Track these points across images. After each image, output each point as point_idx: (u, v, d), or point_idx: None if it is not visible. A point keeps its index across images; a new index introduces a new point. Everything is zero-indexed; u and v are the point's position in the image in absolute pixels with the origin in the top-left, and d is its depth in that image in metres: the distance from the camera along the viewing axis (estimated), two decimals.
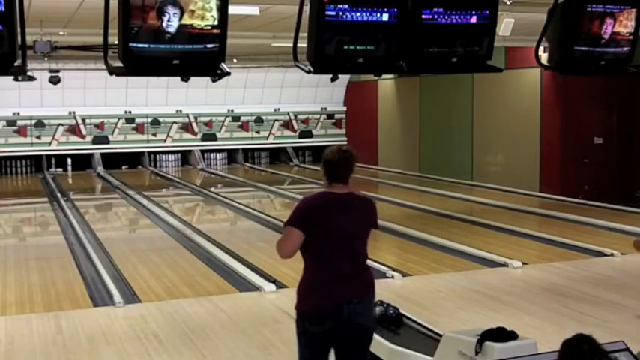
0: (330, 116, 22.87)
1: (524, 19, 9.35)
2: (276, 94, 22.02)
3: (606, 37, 5.60)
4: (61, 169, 20.72)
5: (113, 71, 4.78)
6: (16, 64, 4.39)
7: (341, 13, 4.87)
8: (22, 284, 7.95)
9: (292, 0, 5.12)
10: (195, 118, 21.57)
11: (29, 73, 12.38)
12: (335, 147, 3.88)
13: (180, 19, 4.61)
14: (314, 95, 22.42)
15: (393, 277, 7.96)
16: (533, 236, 10.22)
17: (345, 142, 22.78)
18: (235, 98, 21.65)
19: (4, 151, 19.97)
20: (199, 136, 21.73)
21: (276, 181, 17.98)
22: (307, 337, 3.74)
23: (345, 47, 4.97)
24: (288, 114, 22.41)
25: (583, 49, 5.56)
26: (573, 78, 11.97)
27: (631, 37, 5.71)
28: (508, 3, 8.33)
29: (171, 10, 4.58)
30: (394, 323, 5.11)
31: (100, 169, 20.20)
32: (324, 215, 3.74)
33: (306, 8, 4.91)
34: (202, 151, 21.87)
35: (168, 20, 4.59)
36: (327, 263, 3.73)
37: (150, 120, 21.18)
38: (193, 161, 21.75)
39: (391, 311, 5.18)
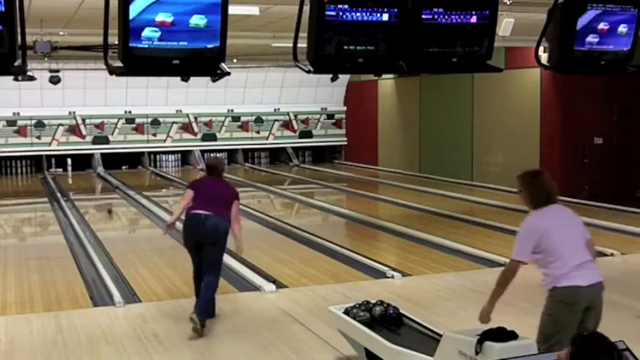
0: (330, 116, 22.87)
1: (524, 19, 9.35)
2: (276, 94, 22.02)
3: (606, 37, 5.61)
4: (61, 169, 20.73)
5: (113, 71, 4.78)
6: (16, 64, 4.39)
7: (341, 13, 4.87)
8: (22, 284, 7.96)
9: (292, 0, 5.11)
10: (195, 118, 21.57)
11: (29, 73, 12.38)
12: (214, 157, 7.11)
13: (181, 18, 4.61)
14: (314, 95, 22.41)
15: (393, 277, 7.97)
16: None
17: (345, 142, 22.83)
18: (235, 98, 21.65)
19: (4, 151, 19.97)
20: (199, 136, 21.73)
21: (276, 181, 17.99)
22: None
23: (345, 47, 4.97)
24: (288, 114, 22.40)
25: (583, 49, 5.56)
26: (573, 78, 11.97)
27: (631, 38, 5.71)
28: (508, 3, 8.33)
29: (170, 10, 4.58)
30: (394, 323, 5.11)
31: (100, 169, 20.20)
32: (200, 182, 6.98)
33: (306, 8, 4.91)
34: (202, 151, 21.86)
35: (168, 20, 4.59)
36: (199, 202, 6.42)
37: (150, 120, 21.18)
38: (193, 161, 21.73)
39: (391, 311, 5.18)
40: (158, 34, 4.58)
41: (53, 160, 20.77)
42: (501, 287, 4.48)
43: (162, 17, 4.56)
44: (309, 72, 5.07)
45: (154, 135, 21.31)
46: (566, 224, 4.42)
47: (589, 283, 4.28)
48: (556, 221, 4.39)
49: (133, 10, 4.48)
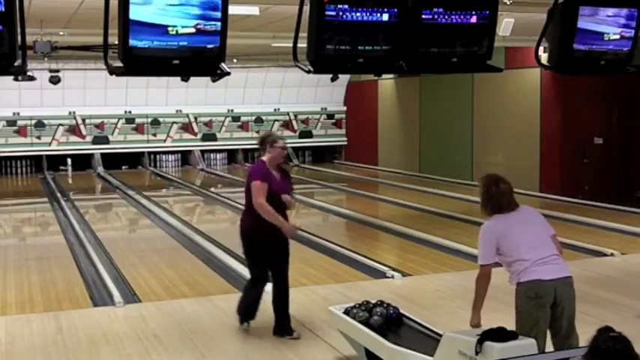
0: (330, 116, 22.87)
1: (524, 19, 9.35)
2: (276, 94, 22.02)
3: (606, 37, 5.61)
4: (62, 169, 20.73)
5: (113, 71, 4.78)
6: (16, 64, 4.39)
7: (341, 13, 4.87)
8: (22, 284, 7.96)
9: (292, 0, 5.11)
10: (195, 118, 21.57)
11: (29, 73, 12.38)
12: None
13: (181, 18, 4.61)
14: (314, 95, 22.41)
15: (393, 277, 7.96)
16: None
17: (345, 142, 22.83)
18: (235, 98, 21.65)
19: (4, 151, 19.97)
20: (199, 136, 21.73)
21: None
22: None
23: (345, 47, 4.97)
24: (288, 114, 22.41)
25: (583, 49, 5.56)
26: (573, 78, 11.97)
27: (631, 37, 5.71)
28: (508, 3, 8.33)
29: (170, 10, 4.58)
30: (395, 323, 5.11)
31: (100, 169, 20.20)
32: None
33: (306, 8, 4.91)
34: (202, 151, 21.87)
35: (168, 20, 4.59)
36: None
37: (150, 120, 21.18)
38: (193, 161, 21.74)
39: (391, 311, 5.18)
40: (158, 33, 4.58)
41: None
42: (480, 295, 4.55)
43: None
44: (309, 72, 5.07)
45: (154, 135, 21.31)
46: (523, 223, 4.47)
47: (552, 277, 4.32)
48: (511, 221, 4.45)
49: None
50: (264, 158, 5.95)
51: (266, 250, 5.93)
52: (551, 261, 4.38)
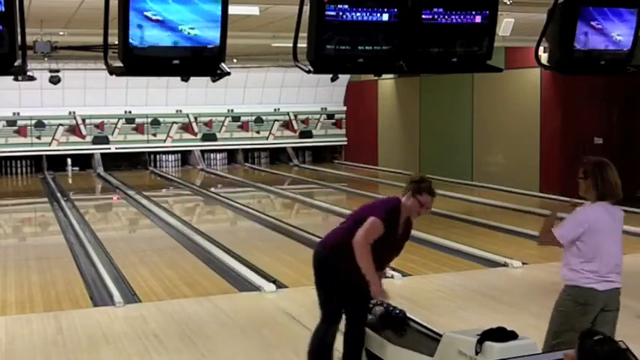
0: (330, 116, 22.87)
1: (524, 19, 9.35)
2: (276, 94, 22.03)
3: (606, 37, 5.60)
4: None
5: (113, 71, 4.77)
6: (16, 64, 4.39)
7: (341, 13, 4.86)
8: (22, 284, 7.96)
9: (292, 0, 5.11)
10: (195, 118, 21.58)
11: (29, 73, 12.38)
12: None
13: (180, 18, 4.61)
14: (314, 95, 22.42)
15: (392, 277, 7.96)
16: (533, 236, 10.18)
17: (345, 142, 22.83)
18: (235, 98, 21.66)
19: (4, 151, 19.98)
20: (199, 136, 21.74)
21: (276, 181, 17.99)
22: None
23: (345, 47, 4.97)
24: (288, 114, 22.41)
25: (583, 49, 5.56)
26: (573, 78, 11.97)
27: (631, 37, 5.71)
28: (508, 3, 8.33)
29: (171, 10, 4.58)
30: (395, 323, 5.10)
31: (100, 169, 20.21)
32: None
33: (306, 8, 4.90)
34: (202, 151, 21.88)
35: (169, 20, 4.59)
36: None
37: (150, 120, 21.18)
38: (193, 161, 21.75)
39: (397, 312, 5.18)
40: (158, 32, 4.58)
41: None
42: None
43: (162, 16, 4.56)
44: (309, 72, 5.06)
45: (154, 135, 21.32)
46: (614, 232, 4.49)
47: (607, 288, 4.37)
48: (606, 222, 4.46)
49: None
50: (403, 199, 5.08)
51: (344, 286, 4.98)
52: (615, 270, 4.37)
